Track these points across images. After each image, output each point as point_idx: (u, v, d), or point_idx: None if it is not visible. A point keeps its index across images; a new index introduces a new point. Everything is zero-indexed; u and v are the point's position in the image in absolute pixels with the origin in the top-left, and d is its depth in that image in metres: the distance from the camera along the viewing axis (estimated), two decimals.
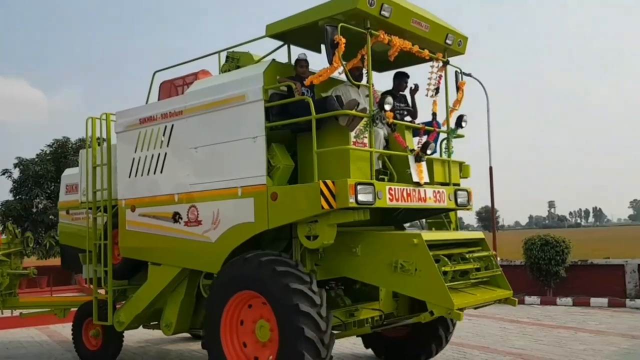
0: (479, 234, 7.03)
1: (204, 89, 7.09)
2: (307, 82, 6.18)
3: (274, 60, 6.75)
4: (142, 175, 7.75)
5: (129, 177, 7.92)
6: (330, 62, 5.91)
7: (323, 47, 6.87)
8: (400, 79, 7.43)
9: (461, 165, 7.58)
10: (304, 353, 5.62)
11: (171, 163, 7.36)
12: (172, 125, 7.35)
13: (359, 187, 5.78)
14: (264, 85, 6.38)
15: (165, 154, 7.44)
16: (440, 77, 7.18)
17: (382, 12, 6.14)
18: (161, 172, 7.49)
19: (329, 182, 5.79)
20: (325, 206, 5.72)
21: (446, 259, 6.02)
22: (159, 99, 8.20)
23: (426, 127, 6.99)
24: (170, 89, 8.08)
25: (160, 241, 7.46)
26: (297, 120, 6.27)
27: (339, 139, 6.27)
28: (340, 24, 5.91)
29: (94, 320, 8.49)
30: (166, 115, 7.42)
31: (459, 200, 7.14)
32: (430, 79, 7.11)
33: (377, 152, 6.41)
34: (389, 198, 6.13)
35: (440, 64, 7.15)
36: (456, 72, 7.42)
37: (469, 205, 7.37)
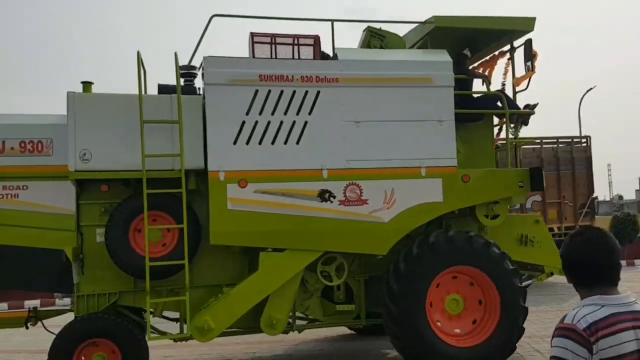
0: None
1: (369, 62, 6.64)
2: (517, 83, 7.04)
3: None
4: (259, 143, 6.31)
5: (234, 143, 6.25)
6: (532, 69, 7.01)
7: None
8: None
9: None
10: (520, 324, 6.60)
11: (315, 134, 6.42)
12: (318, 92, 6.44)
13: None
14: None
15: (306, 122, 6.40)
16: None
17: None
18: (297, 142, 6.38)
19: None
20: (541, 189, 6.83)
21: None
22: (253, 54, 6.70)
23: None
24: (271, 45, 6.72)
25: (290, 223, 6.33)
26: (484, 112, 7.03)
27: (484, 133, 7.30)
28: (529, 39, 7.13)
29: (148, 337, 6.04)
30: (310, 79, 6.42)
31: None
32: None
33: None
34: None
35: None
36: None
37: None
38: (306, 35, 6.95)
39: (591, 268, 2.20)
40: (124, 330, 6.14)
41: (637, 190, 68.33)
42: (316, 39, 6.93)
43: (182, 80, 7.21)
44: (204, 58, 6.35)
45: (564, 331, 2.11)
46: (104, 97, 6.41)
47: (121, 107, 6.27)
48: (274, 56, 6.84)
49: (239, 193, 6.24)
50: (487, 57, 8.06)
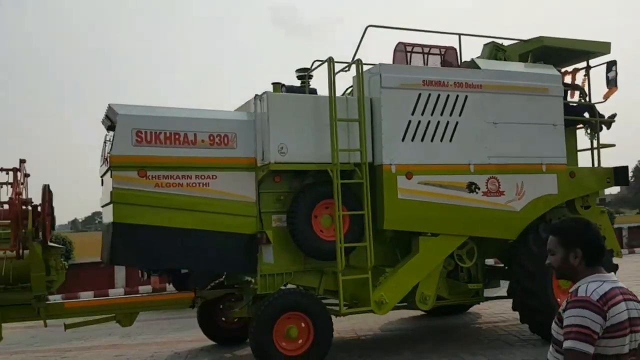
0: None
1: (502, 72, 7.70)
2: (605, 97, 8.32)
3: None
4: (421, 140, 7.16)
5: (402, 140, 7.05)
6: (615, 85, 8.35)
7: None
8: None
9: None
10: None
11: (464, 133, 7.36)
12: (466, 96, 7.38)
13: None
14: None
15: (457, 123, 7.32)
16: None
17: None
18: (450, 140, 7.29)
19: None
20: (626, 184, 8.17)
21: None
22: (394, 60, 7.50)
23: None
24: (405, 54, 7.59)
25: (445, 211, 7.23)
26: (584, 119, 8.30)
27: (570, 136, 8.59)
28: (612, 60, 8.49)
29: (341, 310, 6.67)
30: (461, 85, 7.36)
31: None
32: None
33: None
34: None
35: None
36: None
37: None
38: (446, 47, 7.89)
39: (601, 251, 2.60)
40: (317, 305, 6.79)
41: None
42: (451, 49, 7.88)
43: (299, 82, 7.95)
44: (379, 65, 7.11)
45: (581, 303, 2.39)
46: (293, 97, 7.04)
47: (308, 106, 6.91)
48: (413, 64, 7.72)
49: (406, 184, 7.07)
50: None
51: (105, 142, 7.12)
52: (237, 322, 8.34)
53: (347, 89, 8.29)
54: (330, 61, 6.88)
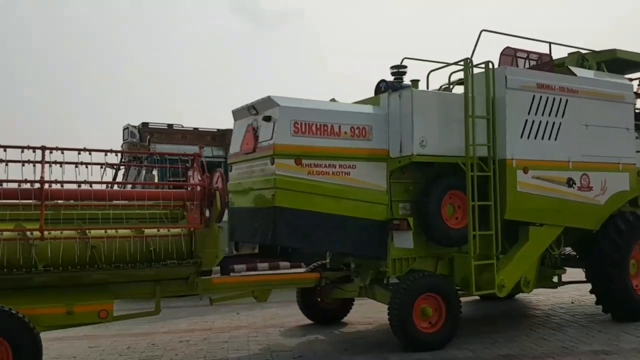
0: None
1: (592, 79, 8.57)
2: None
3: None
4: (534, 138, 7.85)
5: (521, 137, 7.71)
6: None
7: None
8: None
9: None
10: None
11: (565, 133, 8.12)
12: (567, 100, 8.15)
13: None
14: None
15: (560, 123, 8.07)
16: None
17: None
18: (555, 139, 8.03)
19: None
20: None
21: None
22: (499, 63, 8.16)
23: None
24: (511, 58, 8.24)
25: (550, 203, 7.98)
26: None
27: None
28: None
29: (472, 292, 7.22)
30: (563, 89, 8.11)
31: None
32: None
33: None
34: None
35: None
36: None
37: None
38: (541, 53, 8.61)
39: None
40: (450, 287, 7.36)
41: None
42: (545, 55, 8.62)
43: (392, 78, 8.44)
44: (507, 69, 7.73)
45: None
46: (432, 94, 7.57)
47: (441, 102, 7.43)
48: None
49: (524, 178, 7.75)
50: None
51: (249, 130, 7.32)
52: (333, 302, 8.75)
53: (441, 86, 8.84)
54: (468, 62, 7.41)
